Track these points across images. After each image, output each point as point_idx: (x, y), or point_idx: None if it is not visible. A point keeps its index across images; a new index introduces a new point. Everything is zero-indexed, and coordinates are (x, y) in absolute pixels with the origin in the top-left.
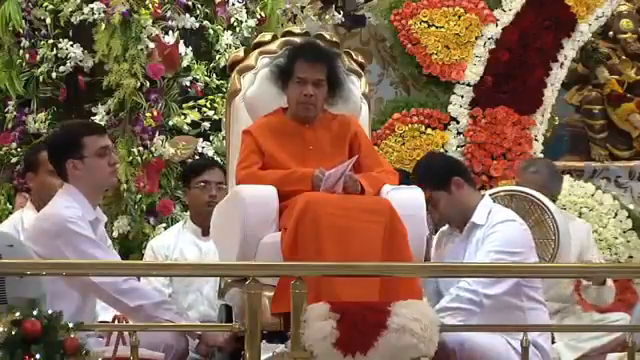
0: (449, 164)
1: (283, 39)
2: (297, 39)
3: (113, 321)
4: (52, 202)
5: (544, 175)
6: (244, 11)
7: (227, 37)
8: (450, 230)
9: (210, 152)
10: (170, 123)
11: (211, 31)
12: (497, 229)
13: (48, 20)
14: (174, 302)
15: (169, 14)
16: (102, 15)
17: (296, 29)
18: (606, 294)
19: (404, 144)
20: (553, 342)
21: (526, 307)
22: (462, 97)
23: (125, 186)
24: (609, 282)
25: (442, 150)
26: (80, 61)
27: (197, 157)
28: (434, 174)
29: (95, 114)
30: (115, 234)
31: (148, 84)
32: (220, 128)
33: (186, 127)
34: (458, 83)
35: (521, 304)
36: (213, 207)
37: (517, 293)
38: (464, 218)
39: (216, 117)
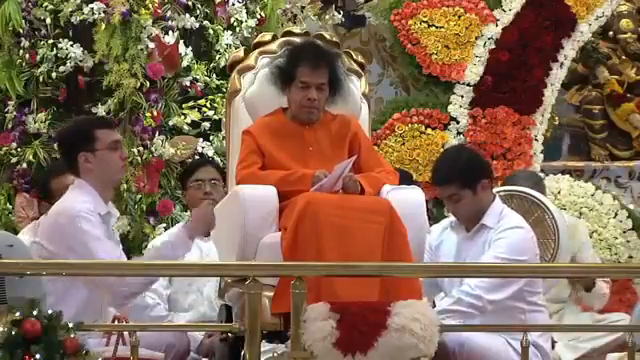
0: (481, 164)
1: (283, 39)
2: (297, 39)
3: (113, 321)
4: (64, 197)
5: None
6: (244, 11)
7: (227, 37)
8: (453, 226)
9: (210, 152)
10: (170, 123)
11: (211, 31)
12: (505, 235)
13: (48, 20)
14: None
15: (169, 14)
16: (102, 15)
17: (296, 29)
18: (596, 300)
19: (404, 144)
20: (553, 347)
21: (527, 310)
22: (462, 97)
23: (125, 186)
24: (603, 289)
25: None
26: (80, 61)
27: (197, 157)
28: (467, 172)
29: (95, 114)
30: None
31: (148, 84)
32: (220, 128)
33: (186, 127)
34: (458, 83)
35: (522, 307)
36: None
37: (519, 297)
38: (476, 218)
39: (216, 117)
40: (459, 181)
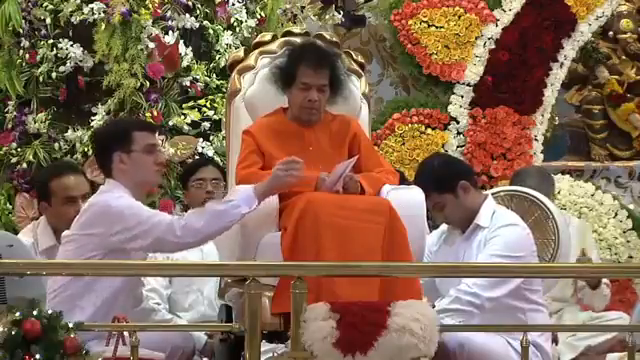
0: (456, 167)
1: (283, 39)
2: (297, 39)
3: (113, 321)
4: (98, 193)
5: (532, 184)
6: (244, 11)
7: (227, 37)
8: (450, 229)
9: (210, 152)
10: (170, 123)
11: (211, 31)
12: (499, 233)
13: (48, 20)
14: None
15: (169, 14)
16: (102, 15)
17: (296, 29)
18: (597, 300)
19: (404, 144)
20: (557, 344)
21: (527, 309)
22: (462, 97)
23: None
24: (605, 290)
25: (442, 150)
26: (80, 61)
27: (197, 157)
28: (441, 177)
29: (95, 114)
30: None
31: (148, 84)
32: (220, 128)
33: (186, 127)
34: (458, 83)
35: (522, 306)
36: None
37: (518, 296)
38: (468, 220)
39: (216, 117)
40: (436, 188)
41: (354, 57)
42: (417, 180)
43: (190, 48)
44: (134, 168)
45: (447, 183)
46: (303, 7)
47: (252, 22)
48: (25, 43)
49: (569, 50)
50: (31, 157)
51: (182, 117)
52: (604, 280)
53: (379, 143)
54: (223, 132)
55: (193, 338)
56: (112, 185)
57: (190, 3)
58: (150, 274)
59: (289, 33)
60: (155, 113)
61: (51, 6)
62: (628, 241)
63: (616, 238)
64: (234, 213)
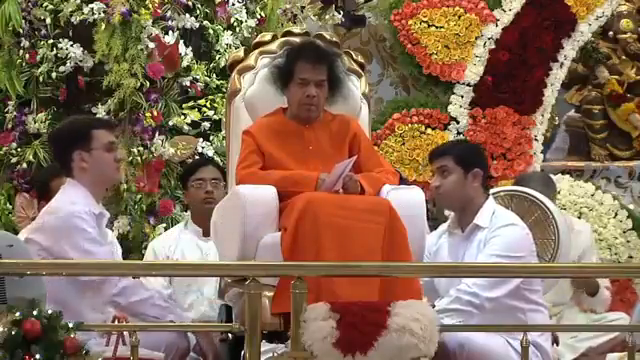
0: (483, 157)
1: (283, 39)
2: (297, 39)
3: (113, 321)
4: (58, 197)
5: (535, 190)
6: (244, 11)
7: (227, 37)
8: (449, 228)
9: (210, 152)
10: (170, 123)
11: (211, 31)
12: (499, 233)
13: (48, 20)
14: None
15: (169, 14)
16: (102, 15)
17: (296, 29)
18: (598, 304)
19: (404, 144)
20: (558, 344)
21: (526, 309)
22: (462, 97)
23: (125, 186)
24: (605, 293)
25: None
26: (80, 61)
27: (197, 157)
28: (466, 152)
29: (95, 114)
30: (115, 234)
31: (148, 84)
32: (220, 128)
33: (186, 127)
34: (458, 83)
35: (521, 306)
36: (211, 205)
37: (518, 296)
38: (458, 206)
39: (216, 117)
40: (455, 156)
41: (354, 57)
42: (440, 145)
43: (190, 48)
44: (95, 166)
45: (467, 160)
46: (303, 7)
47: (252, 22)
48: (25, 43)
49: (569, 50)
50: (31, 157)
51: (182, 117)
52: (605, 284)
53: (379, 143)
54: (223, 132)
55: (188, 336)
56: (73, 185)
57: (190, 3)
58: (150, 274)
59: (289, 33)
60: (155, 113)
61: (51, 6)
62: (628, 241)
63: (616, 238)
64: (162, 314)
